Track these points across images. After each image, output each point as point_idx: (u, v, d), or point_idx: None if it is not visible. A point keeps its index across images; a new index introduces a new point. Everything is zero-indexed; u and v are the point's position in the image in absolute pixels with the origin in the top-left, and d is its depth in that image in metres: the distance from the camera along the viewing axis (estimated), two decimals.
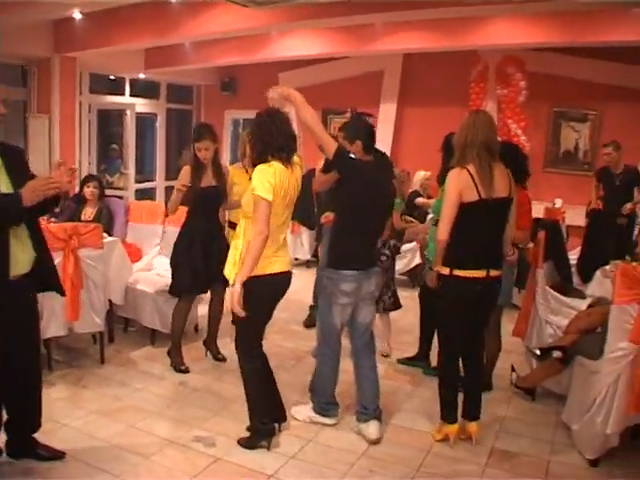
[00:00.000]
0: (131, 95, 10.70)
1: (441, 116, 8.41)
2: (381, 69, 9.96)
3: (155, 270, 5.77)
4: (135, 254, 5.91)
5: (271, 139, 3.41)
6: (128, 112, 10.14)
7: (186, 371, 4.80)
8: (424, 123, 9.35)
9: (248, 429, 3.76)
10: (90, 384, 4.53)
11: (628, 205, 6.80)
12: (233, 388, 4.49)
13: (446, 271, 3.57)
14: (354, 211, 3.76)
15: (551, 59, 8.51)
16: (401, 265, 7.15)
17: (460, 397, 3.84)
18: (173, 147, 11.89)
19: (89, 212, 5.87)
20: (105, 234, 5.22)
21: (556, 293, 4.67)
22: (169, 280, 5.31)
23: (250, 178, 3.67)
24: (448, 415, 3.77)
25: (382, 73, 10.00)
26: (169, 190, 11.25)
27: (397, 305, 5.25)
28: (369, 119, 5.29)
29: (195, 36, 7.96)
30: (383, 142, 9.81)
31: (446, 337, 3.78)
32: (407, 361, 5.07)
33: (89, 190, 5.85)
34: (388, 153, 9.66)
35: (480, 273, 3.51)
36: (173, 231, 5.67)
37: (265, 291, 3.50)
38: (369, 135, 3.89)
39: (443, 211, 3.48)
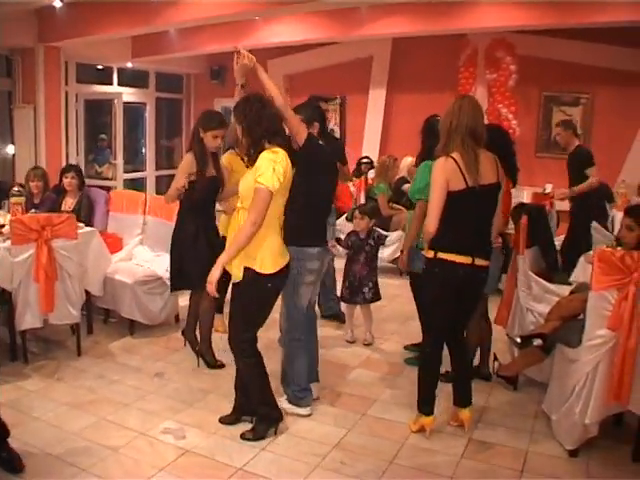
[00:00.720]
0: (119, 84, 10.60)
1: (430, 102, 8.10)
2: (370, 55, 9.86)
3: (135, 260, 5.67)
4: (116, 244, 5.81)
5: (267, 124, 3.32)
6: (116, 101, 10.01)
7: (221, 366, 4.60)
8: (413, 109, 9.14)
9: (251, 423, 3.70)
10: (65, 376, 4.44)
11: (561, 190, 6.54)
12: (210, 379, 4.45)
13: (430, 254, 3.47)
14: (316, 192, 3.76)
15: (541, 42, 8.38)
16: (389, 252, 7.05)
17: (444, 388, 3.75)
18: (163, 137, 11.78)
19: (69, 202, 5.77)
20: (82, 224, 5.15)
21: (539, 278, 4.54)
22: (148, 270, 5.31)
23: (247, 166, 3.58)
24: (425, 407, 3.67)
25: (371, 59, 9.90)
26: (159, 180, 11.24)
27: (377, 297, 5.17)
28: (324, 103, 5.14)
29: (179, 23, 7.84)
30: (372, 128, 9.77)
31: (430, 321, 3.70)
32: (413, 347, 4.92)
33: (67, 180, 5.74)
34: (378, 139, 9.67)
35: (465, 259, 3.40)
36: (154, 221, 5.74)
37: (272, 287, 3.45)
38: (324, 118, 3.92)
39: (430, 202, 3.36)
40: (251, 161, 3.39)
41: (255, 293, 3.39)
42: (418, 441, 3.63)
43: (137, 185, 11.00)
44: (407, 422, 3.80)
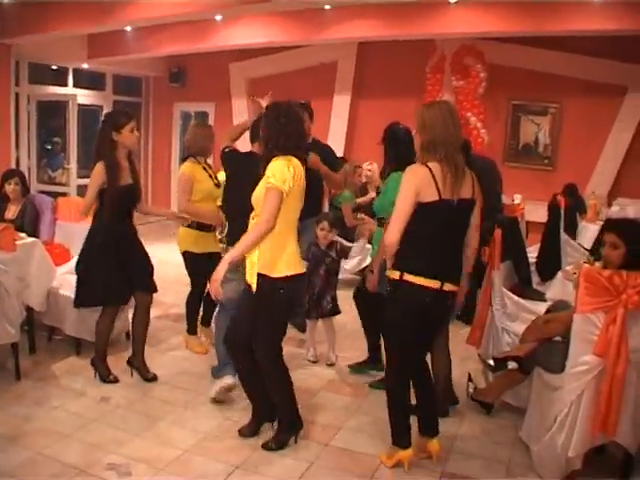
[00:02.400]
0: (75, 86, 10.15)
1: (396, 108, 7.96)
2: (334, 59, 9.64)
3: None
4: (63, 255, 5.42)
5: (284, 141, 3.30)
6: (70, 103, 9.56)
7: (115, 380, 4.36)
8: (379, 115, 8.86)
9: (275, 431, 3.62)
10: (0, 402, 4.00)
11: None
12: (161, 405, 4.09)
13: (396, 275, 3.13)
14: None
15: (510, 50, 8.23)
16: (353, 263, 6.80)
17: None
18: None
19: (12, 210, 5.38)
20: (24, 235, 4.74)
21: (514, 296, 4.30)
22: None
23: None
24: (401, 440, 3.34)
25: (335, 64, 9.68)
26: None
27: (336, 311, 4.87)
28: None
29: (134, 21, 7.48)
30: (336, 134, 9.56)
31: (394, 351, 3.32)
32: (358, 366, 4.66)
33: (10, 187, 5.34)
34: (342, 145, 9.43)
35: (433, 283, 3.08)
36: None
37: (285, 295, 3.35)
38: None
39: (396, 210, 3.03)
40: (263, 169, 3.32)
41: (263, 299, 3.32)
42: (386, 475, 3.31)
43: None
44: (376, 454, 3.49)
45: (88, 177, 10.02)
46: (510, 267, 4.75)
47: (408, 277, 3.08)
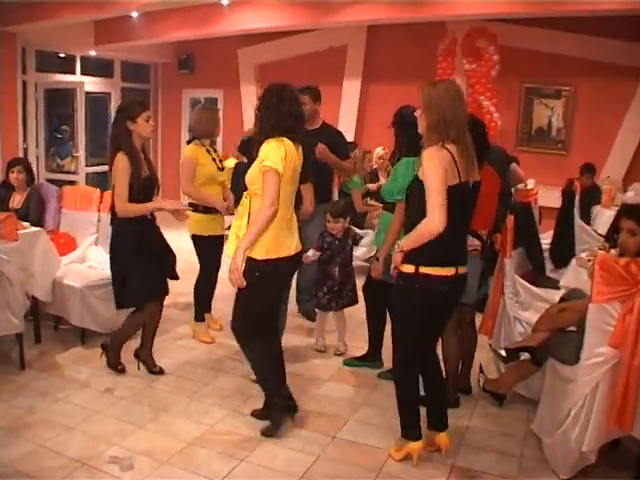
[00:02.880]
0: (82, 74, 10.04)
1: (407, 92, 7.58)
2: (344, 44, 9.44)
3: (88, 262, 5.21)
4: (69, 244, 5.37)
5: (276, 120, 3.30)
6: (78, 91, 9.45)
7: (122, 371, 4.30)
8: (389, 99, 8.69)
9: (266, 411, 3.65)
10: (3, 394, 3.95)
11: None
12: (166, 396, 4.02)
13: (410, 269, 2.99)
14: None
15: (522, 32, 8.03)
16: (362, 251, 6.69)
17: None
18: None
19: (17, 199, 5.32)
20: (27, 224, 4.68)
21: (527, 283, 4.17)
22: (102, 273, 4.85)
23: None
24: (411, 431, 3.24)
25: (345, 48, 9.47)
26: None
27: (355, 300, 4.77)
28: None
29: (141, 6, 7.32)
30: (347, 120, 9.41)
31: (405, 341, 3.22)
32: (355, 361, 4.54)
33: (14, 175, 5.28)
34: (352, 131, 9.28)
35: (448, 271, 2.97)
36: (108, 219, 5.05)
37: (281, 274, 3.43)
38: None
39: (434, 195, 2.81)
40: (256, 151, 3.33)
41: (254, 278, 3.29)
42: (395, 469, 3.22)
43: (104, 179, 10.46)
44: (384, 447, 3.40)
45: (97, 165, 10.26)
46: (523, 254, 4.64)
47: (424, 270, 2.96)
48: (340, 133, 5.32)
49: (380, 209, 5.44)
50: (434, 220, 2.80)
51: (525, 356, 3.53)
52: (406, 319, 3.15)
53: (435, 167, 2.83)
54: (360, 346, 4.77)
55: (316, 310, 4.94)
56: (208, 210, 4.72)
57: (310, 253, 4.56)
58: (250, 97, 9.88)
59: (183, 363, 4.53)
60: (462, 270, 3.04)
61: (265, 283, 3.35)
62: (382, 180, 7.24)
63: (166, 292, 4.29)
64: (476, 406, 3.92)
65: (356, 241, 4.87)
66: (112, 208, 4.08)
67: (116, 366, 4.32)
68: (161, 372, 4.34)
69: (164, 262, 4.22)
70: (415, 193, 2.98)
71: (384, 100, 8.96)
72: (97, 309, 4.74)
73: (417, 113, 3.03)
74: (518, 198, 5.71)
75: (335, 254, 4.65)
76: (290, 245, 3.40)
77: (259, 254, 3.29)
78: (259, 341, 3.49)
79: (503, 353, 3.67)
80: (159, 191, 4.25)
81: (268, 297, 3.45)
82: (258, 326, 3.47)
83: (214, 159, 4.78)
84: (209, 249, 4.82)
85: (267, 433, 3.53)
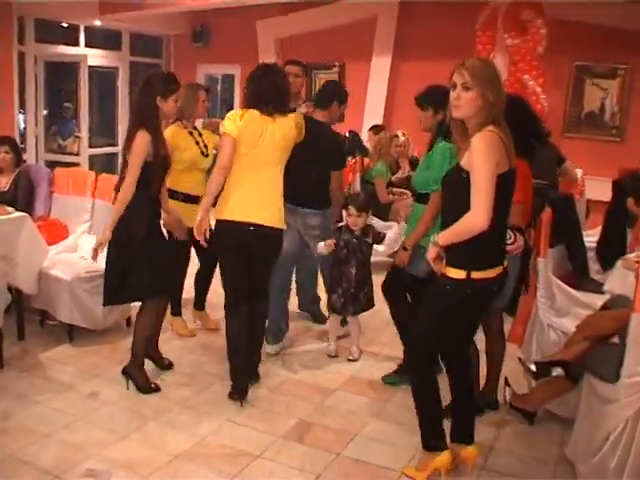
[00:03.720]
0: (87, 46, 10.05)
1: (442, 70, 7.48)
2: (373, 16, 9.31)
3: (80, 252, 5.16)
4: (60, 232, 5.35)
5: (261, 93, 3.82)
6: (81, 65, 9.47)
7: (157, 389, 4.11)
8: (423, 78, 8.48)
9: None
10: None
11: None
12: (156, 402, 3.97)
13: (461, 274, 2.90)
14: None
15: (573, 3, 7.74)
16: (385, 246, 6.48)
17: None
18: None
19: (3, 182, 5.33)
20: (11, 209, 4.66)
21: (565, 286, 4.00)
22: (93, 265, 4.68)
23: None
24: (436, 441, 3.15)
25: (374, 21, 9.35)
26: None
27: (371, 303, 4.69)
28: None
29: None
30: (375, 100, 9.35)
31: (429, 345, 3.14)
32: (396, 377, 4.32)
33: (0, 156, 5.21)
34: (381, 112, 9.14)
35: (497, 270, 2.95)
36: (103, 206, 5.24)
37: (223, 237, 3.90)
38: None
39: (482, 190, 2.72)
40: None
41: (214, 238, 3.89)
42: None
43: (108, 162, 10.54)
44: (395, 468, 3.28)
45: (101, 147, 10.25)
46: (563, 252, 4.44)
47: (477, 275, 2.89)
48: (336, 137, 5.05)
49: (406, 196, 5.28)
50: (479, 217, 2.73)
51: (558, 372, 3.38)
52: (440, 320, 3.06)
53: (489, 158, 2.74)
54: (377, 352, 4.71)
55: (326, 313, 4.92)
56: (189, 199, 4.61)
57: (324, 246, 4.51)
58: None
59: (177, 365, 4.46)
60: (505, 265, 3.03)
61: (217, 245, 3.94)
62: (405, 169, 7.10)
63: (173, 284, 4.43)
64: (502, 424, 3.77)
65: (380, 239, 4.72)
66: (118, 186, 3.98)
67: (149, 387, 4.10)
68: (170, 366, 4.40)
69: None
70: (457, 184, 2.89)
71: (417, 79, 8.73)
72: (87, 304, 4.69)
73: (459, 92, 2.87)
74: (561, 189, 5.51)
75: (351, 253, 4.55)
76: (248, 212, 3.81)
77: (216, 214, 3.89)
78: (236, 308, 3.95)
79: (533, 367, 3.52)
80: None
81: (222, 259, 4.04)
82: (232, 295, 3.98)
83: (197, 142, 4.68)
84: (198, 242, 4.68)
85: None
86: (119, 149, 10.72)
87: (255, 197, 3.83)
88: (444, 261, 2.97)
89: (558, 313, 3.76)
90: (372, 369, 4.54)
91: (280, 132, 3.84)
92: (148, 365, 4.25)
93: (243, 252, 3.90)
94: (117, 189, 3.91)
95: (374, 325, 5.23)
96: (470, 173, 2.76)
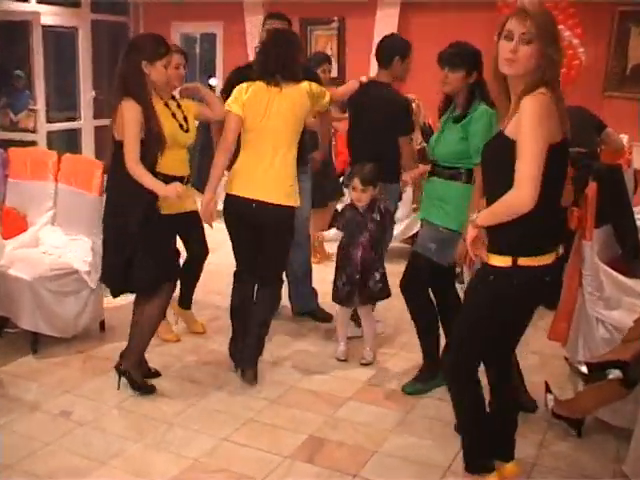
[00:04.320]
0: (40, 2, 9.99)
1: (460, 24, 7.86)
2: None
3: (42, 247, 5.22)
4: (18, 224, 5.39)
5: (267, 63, 4.28)
6: (33, 24, 9.46)
7: (152, 390, 4.29)
8: (437, 34, 8.59)
9: None
10: None
11: None
12: (139, 420, 4.03)
13: (506, 262, 2.89)
14: None
15: None
16: (399, 229, 6.65)
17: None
18: (104, 74, 11.21)
19: None
20: None
21: (615, 273, 4.03)
22: (59, 260, 4.92)
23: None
24: (484, 462, 3.18)
25: None
26: (100, 132, 10.70)
27: (386, 292, 4.72)
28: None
29: None
30: None
31: (472, 349, 3.14)
32: (418, 384, 4.38)
33: None
34: None
35: (551, 257, 2.94)
36: (68, 192, 5.31)
37: (229, 212, 4.41)
38: None
39: (529, 163, 2.69)
40: None
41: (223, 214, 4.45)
42: None
43: (69, 139, 10.55)
44: None
45: (61, 121, 10.23)
46: (610, 234, 4.47)
47: (525, 261, 2.88)
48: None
49: (420, 170, 5.30)
50: (523, 194, 2.70)
51: (615, 374, 3.41)
52: (483, 319, 3.06)
53: (541, 125, 2.71)
54: (393, 353, 4.79)
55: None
56: (169, 180, 4.52)
57: (331, 233, 4.74)
58: (257, 33, 9.78)
59: (164, 376, 4.50)
60: (561, 251, 3.07)
61: (225, 218, 4.44)
62: (417, 138, 7.13)
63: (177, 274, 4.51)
64: (545, 437, 3.81)
65: (391, 215, 4.77)
66: (112, 169, 4.09)
67: (145, 387, 4.28)
68: (157, 375, 4.46)
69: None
70: (502, 155, 2.85)
71: (429, 35, 8.82)
72: (53, 308, 4.74)
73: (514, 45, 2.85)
74: (604, 160, 5.54)
75: (357, 232, 4.61)
76: (252, 188, 4.23)
77: (226, 187, 4.40)
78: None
79: (584, 369, 3.54)
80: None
81: (229, 232, 4.47)
82: (238, 265, 4.54)
83: (174, 115, 4.66)
84: (175, 231, 4.74)
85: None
86: (82, 124, 10.77)
87: (261, 172, 4.24)
88: (485, 247, 2.97)
89: (608, 305, 3.80)
90: (389, 374, 4.61)
91: (288, 102, 4.22)
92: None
93: (249, 227, 4.36)
94: (111, 174, 4.08)
95: (390, 323, 5.28)
96: (517, 142, 2.73)
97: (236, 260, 4.55)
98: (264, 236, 4.35)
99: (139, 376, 4.28)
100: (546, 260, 2.90)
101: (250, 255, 4.45)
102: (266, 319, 4.52)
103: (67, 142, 10.36)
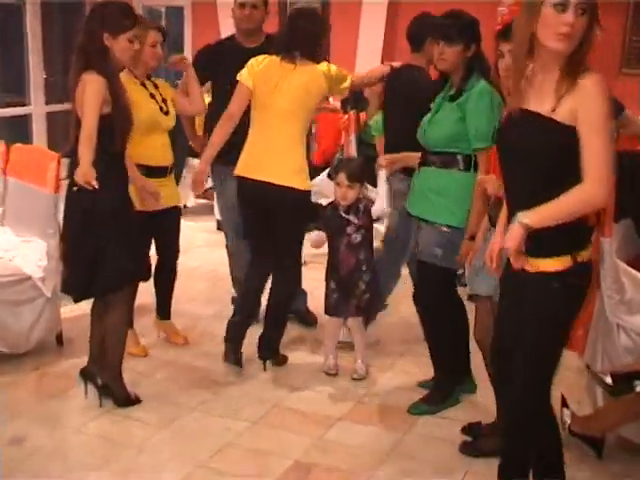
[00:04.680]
0: None
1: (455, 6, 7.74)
2: None
3: None
4: None
5: (285, 38, 4.58)
6: None
7: (138, 401, 4.35)
8: (432, 7, 8.68)
9: None
10: None
11: None
12: (102, 445, 3.97)
13: (565, 262, 2.82)
14: None
15: None
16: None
17: None
18: (57, 53, 11.14)
19: None
20: None
21: (634, 272, 4.02)
22: (9, 265, 4.90)
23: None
24: None
25: None
26: (53, 119, 10.65)
27: (376, 306, 4.90)
28: None
29: None
30: (370, 43, 9.52)
31: (545, 376, 3.02)
32: (426, 405, 4.35)
33: None
34: (378, 52, 9.40)
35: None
36: (18, 186, 5.31)
37: (237, 194, 4.71)
38: None
39: (603, 152, 2.66)
40: None
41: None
42: None
43: (20, 127, 10.49)
44: None
45: (7, 107, 10.16)
46: (630, 229, 4.47)
47: (584, 256, 2.85)
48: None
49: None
50: (602, 192, 2.65)
51: None
52: (553, 337, 2.97)
53: (606, 106, 2.67)
54: (388, 365, 4.81)
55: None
56: (152, 172, 4.62)
57: (313, 235, 4.82)
58: (229, 6, 9.74)
59: (132, 393, 4.44)
60: None
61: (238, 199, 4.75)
62: None
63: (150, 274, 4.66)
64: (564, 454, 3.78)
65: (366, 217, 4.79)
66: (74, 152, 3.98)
67: (129, 399, 4.33)
68: (138, 401, 4.38)
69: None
70: (551, 143, 2.77)
71: (424, 8, 8.83)
72: (3, 319, 4.70)
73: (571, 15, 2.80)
74: (623, 146, 5.55)
75: (337, 235, 4.63)
76: (257, 169, 4.47)
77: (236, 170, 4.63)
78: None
79: (609, 380, 3.53)
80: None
81: (240, 212, 4.84)
82: (249, 246, 4.87)
83: (153, 96, 4.68)
84: (154, 228, 4.79)
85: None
86: (32, 109, 10.68)
87: (266, 152, 4.49)
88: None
89: (629, 309, 3.77)
90: (384, 390, 4.60)
91: (300, 81, 4.45)
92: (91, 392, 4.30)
93: (258, 209, 4.63)
94: (67, 155, 4.03)
95: (383, 330, 5.26)
96: (581, 129, 2.67)
97: (249, 242, 4.83)
98: (274, 217, 4.56)
99: (120, 388, 4.28)
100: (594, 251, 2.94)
101: (262, 238, 4.70)
102: (283, 303, 4.81)
103: (15, 131, 10.28)
